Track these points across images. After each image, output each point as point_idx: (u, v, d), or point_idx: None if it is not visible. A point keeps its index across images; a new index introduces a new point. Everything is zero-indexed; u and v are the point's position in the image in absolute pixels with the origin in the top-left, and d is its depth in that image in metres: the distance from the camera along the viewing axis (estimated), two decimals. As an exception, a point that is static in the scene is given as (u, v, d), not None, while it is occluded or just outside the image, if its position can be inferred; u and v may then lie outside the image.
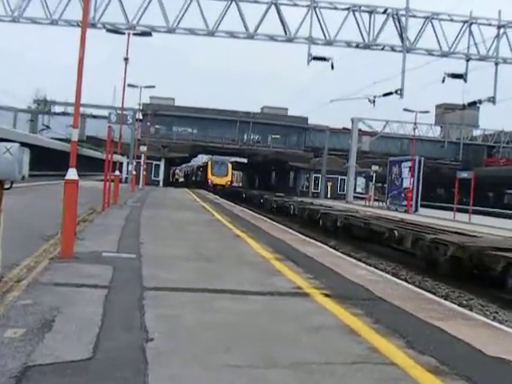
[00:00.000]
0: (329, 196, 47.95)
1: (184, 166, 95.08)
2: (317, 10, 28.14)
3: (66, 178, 6.85)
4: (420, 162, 29.97)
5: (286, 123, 54.61)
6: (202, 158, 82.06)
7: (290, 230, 13.54)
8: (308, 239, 11.68)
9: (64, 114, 50.63)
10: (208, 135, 54.85)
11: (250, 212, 20.39)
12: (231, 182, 53.93)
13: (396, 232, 13.69)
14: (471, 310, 7.89)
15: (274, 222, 16.03)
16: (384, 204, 33.93)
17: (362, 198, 40.47)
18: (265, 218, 17.37)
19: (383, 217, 18.61)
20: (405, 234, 13.29)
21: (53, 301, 4.60)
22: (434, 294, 7.88)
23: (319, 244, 10.97)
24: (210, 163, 52.54)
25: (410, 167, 29.94)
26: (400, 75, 28.17)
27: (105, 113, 43.43)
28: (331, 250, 10.40)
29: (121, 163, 36.58)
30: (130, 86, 31.27)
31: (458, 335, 4.39)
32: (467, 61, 28.71)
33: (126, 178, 42.31)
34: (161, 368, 3.28)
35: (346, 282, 6.47)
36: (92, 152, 53.69)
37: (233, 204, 25.83)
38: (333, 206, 25.58)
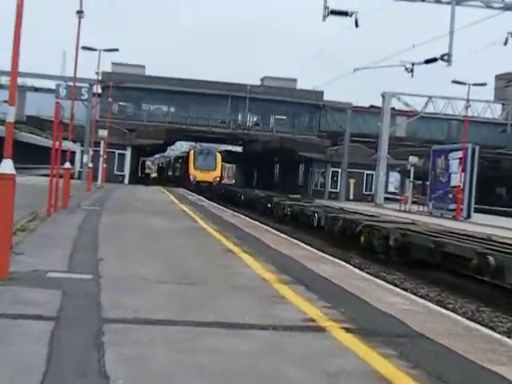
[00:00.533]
0: (351, 197, 48.08)
1: (157, 156, 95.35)
2: None
3: (-1, 172, 6.84)
4: (474, 151, 30.07)
5: (294, 99, 54.86)
6: (181, 147, 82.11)
7: (302, 244, 13.60)
8: (325, 256, 11.76)
9: (-4, 86, 50.64)
10: (190, 115, 55.03)
11: (248, 220, 20.40)
12: (220, 178, 53.93)
13: (492, 259, 12.03)
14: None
15: (282, 234, 15.99)
16: (425, 208, 34.01)
17: (396, 200, 40.57)
18: (270, 229, 17.37)
19: (457, 232, 16.99)
20: (507, 261, 11.73)
21: (-19, 337, 4.60)
22: (492, 329, 7.91)
23: (339, 262, 11.03)
24: (192, 153, 52.53)
25: (461, 159, 30.03)
26: (447, 36, 28.22)
27: (51, 85, 43.41)
28: (355, 269, 10.48)
29: (72, 152, 36.64)
30: (85, 48, 31.32)
31: (525, 385, 4.39)
32: (538, 16, 28.71)
33: (80, 172, 42.25)
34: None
35: (374, 313, 6.49)
36: (34, 137, 53.67)
37: (224, 208, 25.88)
38: (376, 213, 24.90)
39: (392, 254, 15.98)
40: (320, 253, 12.22)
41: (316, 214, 22.67)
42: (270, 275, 8.32)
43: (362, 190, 49.21)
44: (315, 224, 22.35)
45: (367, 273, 11.27)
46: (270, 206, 30.76)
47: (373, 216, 22.10)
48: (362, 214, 23.06)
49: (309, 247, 13.13)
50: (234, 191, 45.15)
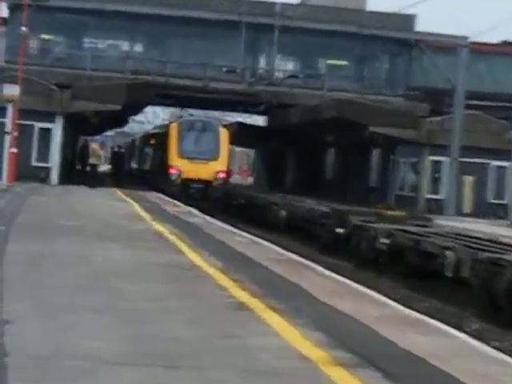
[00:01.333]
0: (467, 209, 47.72)
1: (111, 134, 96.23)
2: None
3: None
4: None
5: (362, 30, 54.78)
6: (155, 116, 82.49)
7: (374, 294, 13.73)
8: (417, 316, 11.82)
9: None
10: (170, 59, 54.91)
11: (278, 249, 20.48)
12: (227, 173, 53.50)
13: None
14: None
15: (338, 276, 16.02)
16: None
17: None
18: (315, 266, 17.41)
19: None
20: None
21: None
22: None
23: (444, 328, 11.03)
24: (174, 128, 52.30)
25: None
26: None
27: None
28: (473, 342, 10.41)
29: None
30: None
31: None
32: None
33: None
34: None
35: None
36: None
37: (235, 230, 25.90)
38: None
39: None
40: (408, 311, 12.27)
41: (450, 254, 21.13)
42: (315, 351, 8.35)
43: (485, 195, 48.91)
44: (450, 274, 20.86)
45: (494, 348, 11.19)
46: (341, 231, 30.22)
47: None
48: None
49: (387, 300, 13.24)
50: (264, 201, 44.10)
